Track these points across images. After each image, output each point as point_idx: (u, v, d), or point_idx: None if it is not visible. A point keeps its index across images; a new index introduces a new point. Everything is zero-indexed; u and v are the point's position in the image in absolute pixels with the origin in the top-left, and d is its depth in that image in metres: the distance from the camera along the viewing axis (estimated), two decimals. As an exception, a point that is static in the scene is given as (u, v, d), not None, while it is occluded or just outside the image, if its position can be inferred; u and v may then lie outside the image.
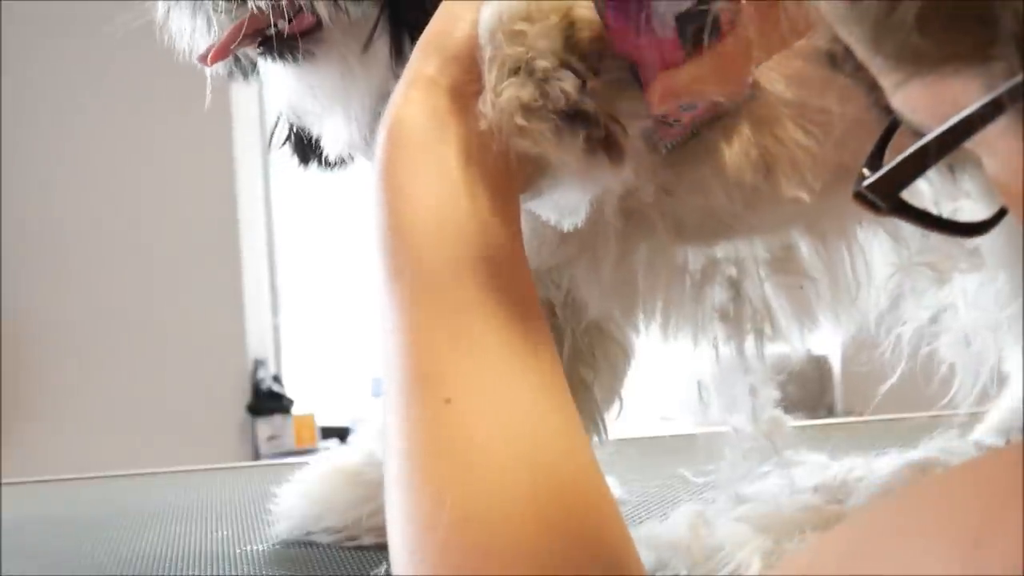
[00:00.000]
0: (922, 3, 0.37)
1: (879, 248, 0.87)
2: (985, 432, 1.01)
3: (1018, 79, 0.36)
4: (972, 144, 0.39)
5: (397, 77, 0.62)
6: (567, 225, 0.66)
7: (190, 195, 3.33)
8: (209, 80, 0.80)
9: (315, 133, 0.82)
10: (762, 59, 0.59)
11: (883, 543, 0.39)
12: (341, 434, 3.24)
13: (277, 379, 3.51)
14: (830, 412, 3.18)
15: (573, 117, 0.58)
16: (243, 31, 0.75)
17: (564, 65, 0.58)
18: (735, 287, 0.84)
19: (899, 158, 0.41)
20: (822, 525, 0.74)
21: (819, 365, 3.20)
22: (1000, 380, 0.97)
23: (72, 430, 3.27)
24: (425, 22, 0.62)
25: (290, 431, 3.42)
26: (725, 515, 0.77)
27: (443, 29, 0.61)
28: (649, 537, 0.74)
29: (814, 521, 0.75)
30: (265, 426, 3.40)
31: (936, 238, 0.83)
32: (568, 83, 0.57)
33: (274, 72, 0.80)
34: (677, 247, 0.81)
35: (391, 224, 0.58)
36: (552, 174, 0.61)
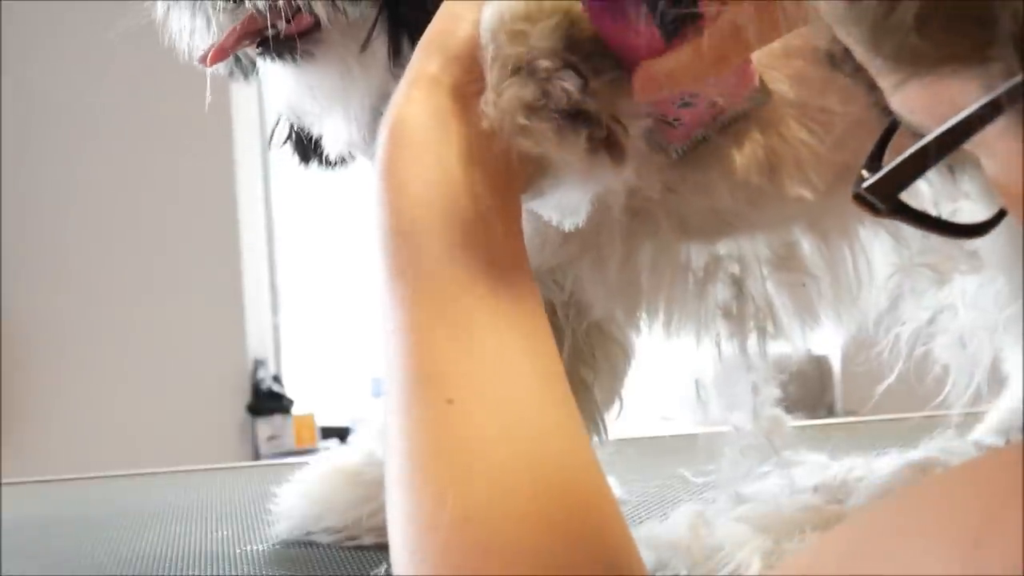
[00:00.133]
0: (921, 4, 0.37)
1: (880, 248, 0.88)
2: (985, 432, 1.01)
3: (1017, 80, 0.36)
4: (971, 145, 0.39)
5: (396, 77, 0.62)
6: (568, 225, 0.66)
7: (190, 195, 3.33)
8: (209, 80, 0.80)
9: (315, 133, 0.82)
10: (752, 49, 0.59)
11: (883, 543, 0.39)
12: (341, 434, 3.24)
13: (277, 379, 3.51)
14: (830, 412, 3.18)
15: (575, 116, 0.58)
16: (242, 32, 0.75)
17: (566, 65, 0.58)
18: (738, 285, 0.84)
19: (898, 159, 0.41)
20: (822, 525, 0.74)
21: (819, 365, 3.20)
22: (994, 382, 0.97)
23: (72, 430, 3.27)
24: (424, 23, 0.62)
25: (290, 431, 3.42)
26: (725, 515, 0.77)
27: (445, 28, 0.61)
28: (649, 537, 0.74)
29: (814, 521, 0.75)
30: (265, 426, 3.40)
31: (937, 239, 0.83)
32: (570, 83, 0.57)
33: (273, 72, 0.80)
34: (680, 244, 0.81)
35: (392, 224, 0.58)
36: (554, 174, 0.61)
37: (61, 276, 3.31)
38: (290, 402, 3.46)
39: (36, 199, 3.29)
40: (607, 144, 0.59)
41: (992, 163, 0.41)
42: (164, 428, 3.23)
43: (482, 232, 0.58)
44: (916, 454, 0.87)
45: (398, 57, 0.74)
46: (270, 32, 0.75)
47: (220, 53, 0.76)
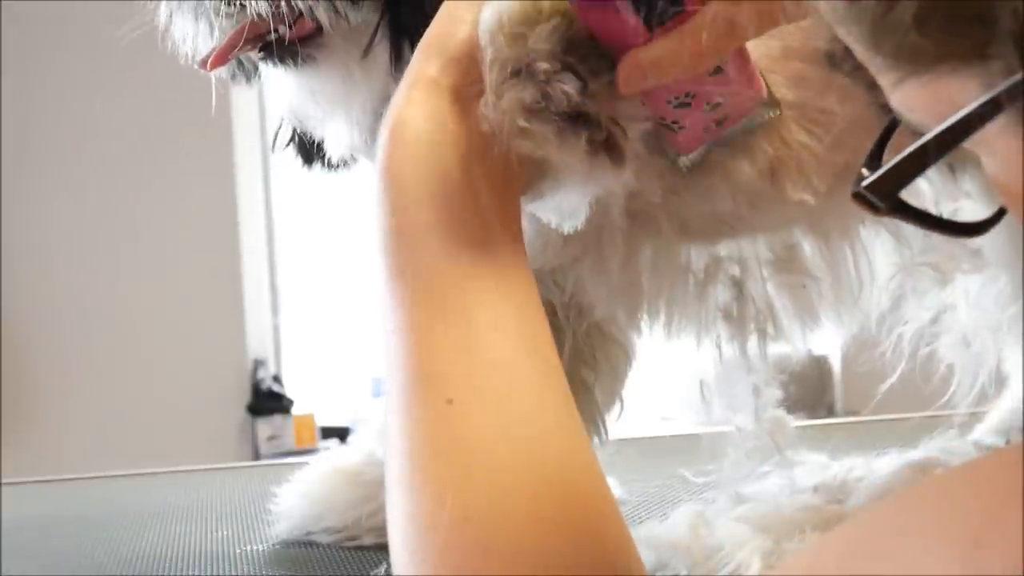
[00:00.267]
0: (920, 2, 0.37)
1: (882, 248, 0.88)
2: (985, 432, 1.02)
3: (1016, 78, 0.36)
4: (971, 143, 0.39)
5: (397, 82, 0.62)
6: (567, 228, 0.66)
7: (190, 196, 3.33)
8: (214, 83, 0.81)
9: (318, 136, 0.82)
10: (738, 41, 0.59)
11: (883, 543, 0.39)
12: (341, 434, 3.24)
13: (277, 379, 3.51)
14: (830, 412, 3.18)
15: (575, 119, 0.58)
16: (243, 37, 0.75)
17: (565, 67, 0.58)
18: (738, 286, 0.84)
19: (898, 158, 0.41)
20: (822, 525, 0.74)
21: (819, 365, 3.20)
22: (998, 381, 0.97)
23: (72, 430, 3.27)
24: (425, 27, 0.62)
25: (290, 431, 3.42)
26: (725, 515, 0.77)
27: (445, 31, 0.61)
28: (649, 537, 0.74)
29: (814, 521, 0.75)
30: (265, 426, 3.40)
31: (938, 238, 0.83)
32: (570, 85, 0.57)
33: (275, 76, 0.80)
34: (681, 246, 0.81)
35: (392, 224, 0.58)
36: (553, 176, 0.61)
37: (61, 276, 3.31)
38: (290, 402, 3.46)
39: (36, 199, 3.29)
40: (607, 147, 0.59)
41: (992, 161, 0.41)
42: (164, 428, 3.23)
43: (481, 233, 0.58)
44: (916, 454, 0.87)
45: (399, 62, 0.74)
46: (272, 37, 0.75)
47: (220, 58, 0.76)
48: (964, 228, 0.50)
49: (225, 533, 0.99)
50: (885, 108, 0.42)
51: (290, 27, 0.75)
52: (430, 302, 0.57)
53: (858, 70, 0.42)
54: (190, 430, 3.26)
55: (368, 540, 0.89)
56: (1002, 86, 0.36)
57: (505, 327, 0.57)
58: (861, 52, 0.40)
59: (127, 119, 3.28)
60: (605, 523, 0.53)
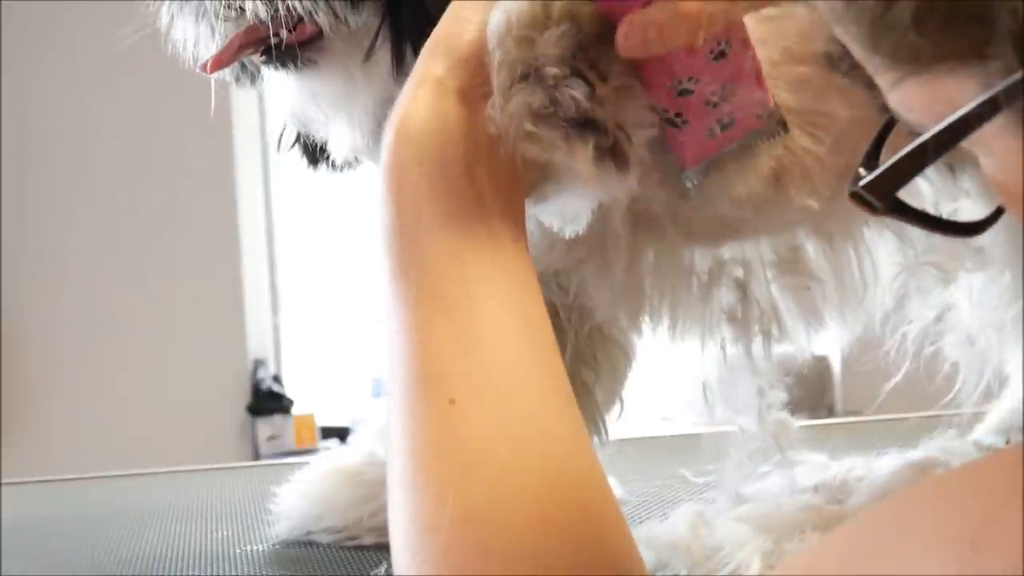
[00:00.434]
0: (918, 2, 0.37)
1: (885, 248, 0.88)
2: (985, 432, 1.01)
3: (1014, 78, 0.36)
4: (969, 143, 0.39)
5: (399, 85, 0.62)
6: (569, 232, 0.66)
7: (190, 196, 3.33)
8: (213, 84, 0.81)
9: (320, 138, 0.82)
10: (746, 9, 0.58)
11: (883, 544, 0.39)
12: (341, 434, 3.24)
13: (277, 379, 3.51)
14: (830, 412, 3.18)
15: (583, 125, 0.58)
16: (243, 41, 0.75)
17: (574, 72, 0.58)
18: (742, 288, 0.84)
19: (895, 157, 0.41)
20: (822, 525, 0.74)
21: (819, 365, 3.20)
22: (1003, 379, 0.97)
23: (72, 430, 3.27)
24: (427, 31, 0.62)
25: (290, 431, 3.42)
26: (725, 515, 0.77)
27: (452, 31, 0.60)
28: (649, 537, 0.74)
29: (814, 521, 0.75)
30: (265, 426, 3.40)
31: (941, 237, 0.83)
32: (578, 90, 0.57)
33: (277, 79, 0.80)
34: (685, 248, 0.81)
35: (396, 224, 0.58)
36: (557, 180, 0.61)
37: (61, 276, 3.31)
38: (290, 402, 3.46)
39: (36, 199, 3.29)
40: (613, 153, 0.59)
41: (990, 161, 0.41)
42: (164, 428, 3.23)
43: (485, 234, 0.58)
44: (916, 454, 0.87)
45: (401, 65, 0.74)
46: (273, 41, 0.75)
47: (220, 62, 0.77)
48: (962, 228, 0.50)
49: (225, 533, 0.99)
50: (884, 108, 0.42)
51: (290, 31, 0.75)
52: (433, 302, 0.57)
53: (856, 69, 0.42)
54: (190, 430, 3.26)
55: (368, 540, 0.89)
56: (1000, 86, 0.36)
57: (508, 328, 0.57)
58: (859, 52, 0.40)
59: (127, 120, 3.28)
60: (606, 524, 0.53)
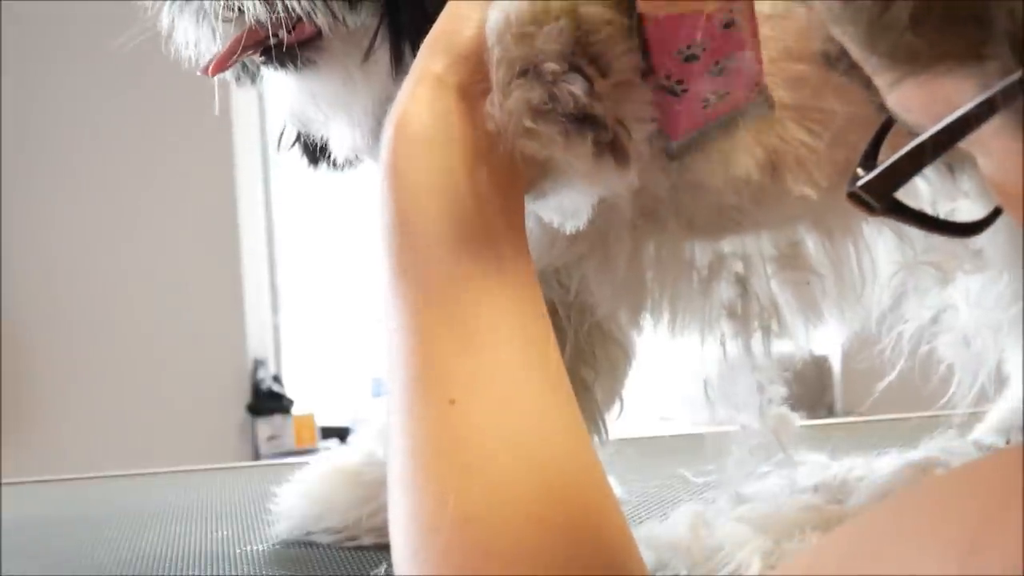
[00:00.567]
0: (916, 2, 0.37)
1: (884, 246, 0.88)
2: (985, 432, 1.01)
3: (1012, 78, 0.36)
4: (967, 144, 0.39)
5: (398, 84, 0.62)
6: (569, 228, 0.66)
7: (190, 195, 3.33)
8: (216, 84, 0.81)
9: (320, 137, 0.82)
10: None
11: (882, 544, 0.39)
12: (341, 434, 3.24)
13: (277, 379, 3.51)
14: (830, 411, 3.18)
15: (582, 120, 0.58)
16: (243, 42, 0.75)
17: (572, 68, 0.58)
18: (742, 283, 0.84)
19: (893, 158, 0.41)
20: (822, 525, 0.74)
21: (819, 364, 3.20)
22: (998, 381, 0.97)
23: (72, 430, 3.27)
24: (425, 30, 0.62)
25: (290, 431, 3.42)
26: (725, 515, 0.77)
27: (451, 28, 0.61)
28: (649, 537, 0.74)
29: (814, 521, 0.75)
30: (265, 426, 3.40)
31: (940, 237, 0.83)
32: (577, 86, 0.57)
33: (277, 79, 0.80)
34: (686, 242, 0.81)
35: (396, 222, 0.58)
36: (556, 176, 0.61)
37: (61, 276, 3.31)
38: (290, 402, 3.46)
39: (36, 199, 3.29)
40: (612, 148, 0.59)
41: (988, 162, 0.41)
42: (164, 428, 3.23)
43: (485, 232, 0.58)
44: (916, 454, 0.87)
45: (400, 65, 0.74)
46: (272, 41, 0.75)
47: (221, 64, 0.77)
48: (959, 228, 0.50)
49: (225, 533, 0.99)
50: (882, 107, 0.42)
51: (289, 31, 0.75)
52: (433, 301, 0.57)
53: (854, 68, 0.42)
54: (190, 430, 3.26)
55: (368, 540, 0.89)
56: (998, 86, 0.36)
57: (508, 327, 0.57)
58: (857, 52, 0.40)
59: (127, 119, 3.27)
60: (606, 524, 0.53)
